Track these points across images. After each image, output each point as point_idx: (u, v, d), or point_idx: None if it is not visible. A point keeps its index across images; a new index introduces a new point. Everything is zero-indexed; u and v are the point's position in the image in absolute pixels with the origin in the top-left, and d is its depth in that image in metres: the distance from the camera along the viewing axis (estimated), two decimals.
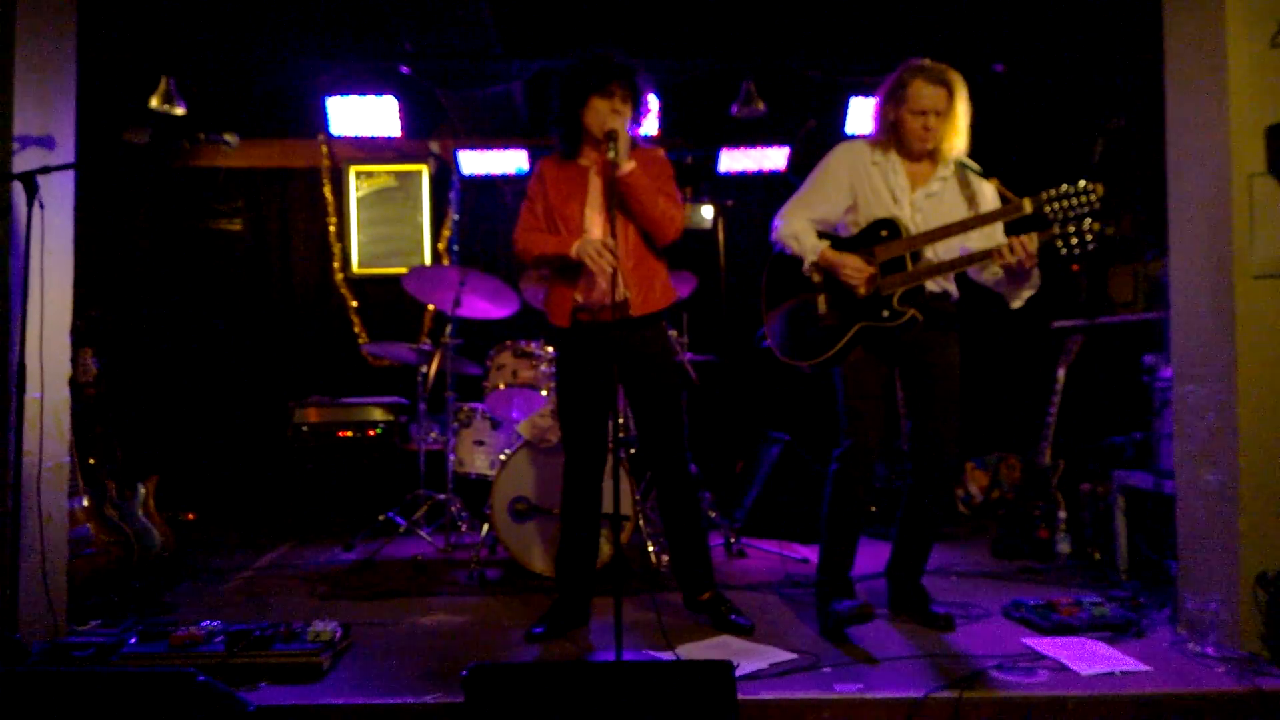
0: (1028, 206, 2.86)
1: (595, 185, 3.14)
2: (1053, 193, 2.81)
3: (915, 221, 3.04)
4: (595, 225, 3.12)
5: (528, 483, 3.95)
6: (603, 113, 3.04)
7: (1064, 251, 2.80)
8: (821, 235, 3.14)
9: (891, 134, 3.08)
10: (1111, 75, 5.10)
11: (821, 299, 3.11)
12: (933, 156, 3.08)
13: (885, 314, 2.99)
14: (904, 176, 3.09)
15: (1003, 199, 3.03)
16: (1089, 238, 2.77)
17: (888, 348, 3.09)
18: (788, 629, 3.15)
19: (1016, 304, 3.04)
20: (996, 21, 4.88)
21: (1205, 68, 2.90)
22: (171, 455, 5.42)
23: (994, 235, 3.06)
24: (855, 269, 3.01)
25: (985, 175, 3.10)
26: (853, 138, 3.23)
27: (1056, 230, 2.81)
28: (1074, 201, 2.78)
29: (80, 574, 3.34)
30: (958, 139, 3.03)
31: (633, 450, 4.27)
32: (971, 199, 3.09)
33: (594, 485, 3.22)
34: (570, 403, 3.21)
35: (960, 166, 3.09)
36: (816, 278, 3.12)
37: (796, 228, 3.13)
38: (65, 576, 3.15)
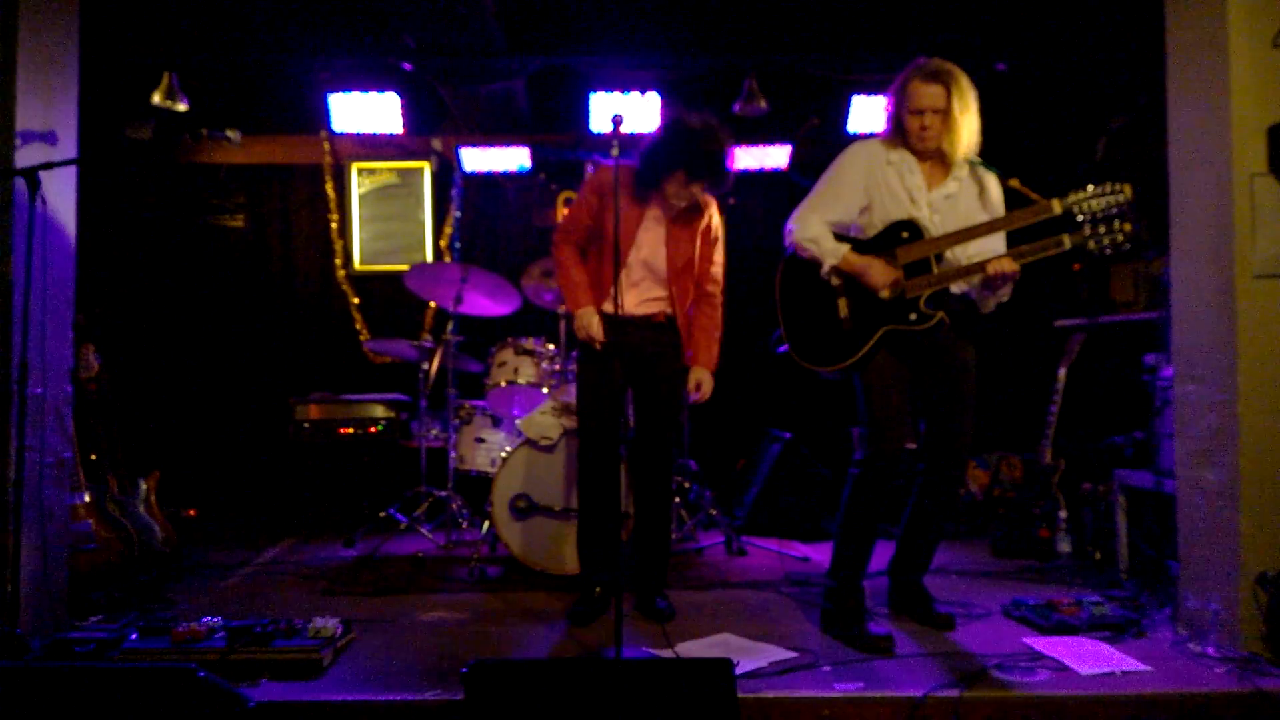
0: (1056, 207, 2.81)
1: (654, 232, 3.28)
2: (1081, 194, 2.78)
3: (933, 223, 2.99)
4: (645, 245, 3.28)
5: (528, 480, 3.94)
6: (681, 191, 3.18)
7: (1096, 253, 2.77)
8: (837, 238, 3.08)
9: (900, 133, 3.01)
10: (1113, 75, 5.10)
11: (842, 302, 3.04)
12: (943, 156, 3.00)
13: (913, 316, 2.94)
14: (920, 176, 3.01)
15: (1029, 200, 2.94)
16: (1120, 238, 2.74)
17: (909, 350, 3.03)
18: (788, 627, 3.15)
19: (985, 310, 3.05)
20: (999, 20, 4.87)
21: (1207, 67, 2.90)
22: (173, 451, 5.42)
23: (999, 241, 3.02)
24: (881, 274, 2.96)
25: (1003, 176, 3.06)
26: (856, 136, 3.21)
27: (1088, 231, 2.78)
28: (1104, 202, 2.75)
29: (81, 569, 3.34)
30: (963, 137, 2.93)
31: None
32: (984, 200, 3.05)
33: (613, 472, 3.27)
34: (592, 395, 3.29)
35: (973, 166, 3.04)
36: (836, 281, 3.05)
37: (814, 231, 3.06)
38: (67, 572, 3.16)
